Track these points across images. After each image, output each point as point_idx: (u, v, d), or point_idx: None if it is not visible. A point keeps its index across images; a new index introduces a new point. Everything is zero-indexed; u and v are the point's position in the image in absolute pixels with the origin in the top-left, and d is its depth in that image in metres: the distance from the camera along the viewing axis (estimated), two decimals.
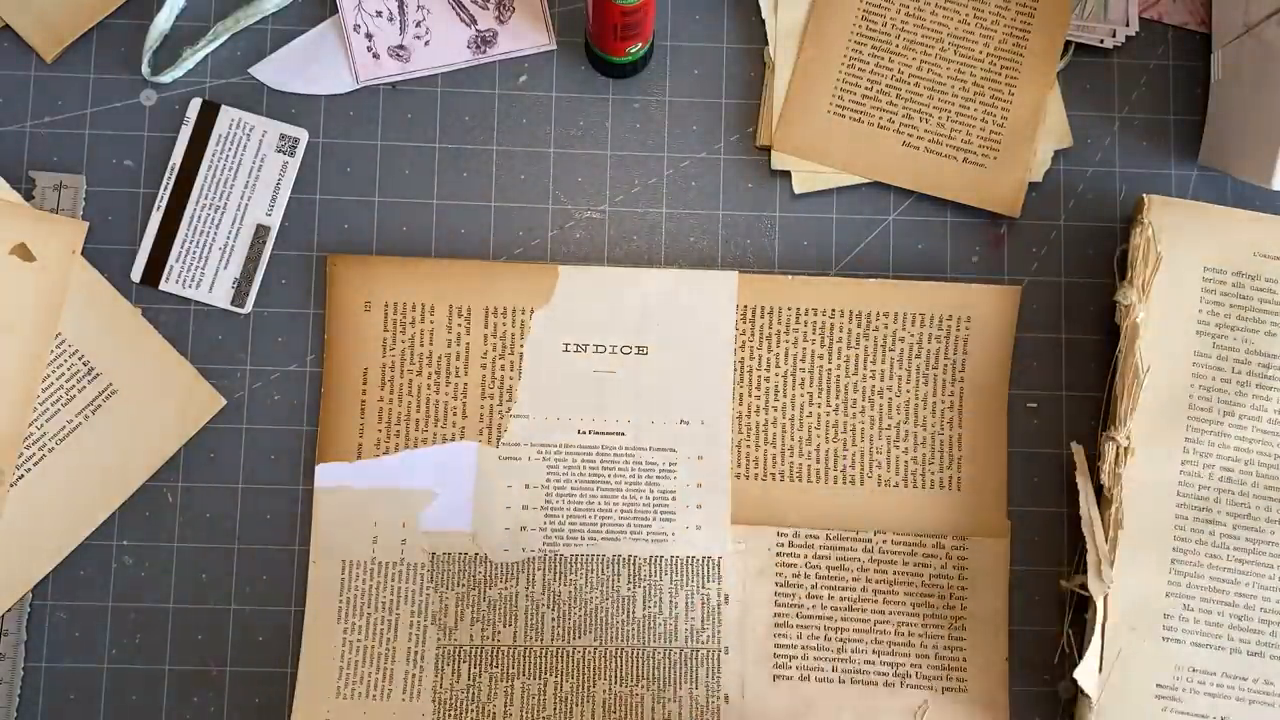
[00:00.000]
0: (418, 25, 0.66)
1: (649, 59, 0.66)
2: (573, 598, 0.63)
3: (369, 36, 0.66)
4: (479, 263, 0.65)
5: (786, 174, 0.66)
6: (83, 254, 0.63)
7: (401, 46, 0.66)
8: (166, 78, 0.65)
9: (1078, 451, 0.63)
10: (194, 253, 0.64)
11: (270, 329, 0.64)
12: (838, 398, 0.64)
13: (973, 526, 0.64)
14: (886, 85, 0.66)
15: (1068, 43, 0.66)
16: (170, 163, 0.65)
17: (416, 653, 0.62)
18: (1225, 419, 0.62)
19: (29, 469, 0.62)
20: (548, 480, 0.63)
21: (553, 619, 0.63)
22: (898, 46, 0.66)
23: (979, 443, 0.64)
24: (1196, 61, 0.67)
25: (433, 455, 0.63)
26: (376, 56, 0.66)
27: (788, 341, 0.64)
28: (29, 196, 0.64)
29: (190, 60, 0.65)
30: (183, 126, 0.65)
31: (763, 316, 0.64)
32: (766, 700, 0.62)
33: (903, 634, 0.63)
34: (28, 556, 0.62)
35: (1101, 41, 0.66)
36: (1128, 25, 0.66)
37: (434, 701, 0.62)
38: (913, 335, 0.64)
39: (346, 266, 0.64)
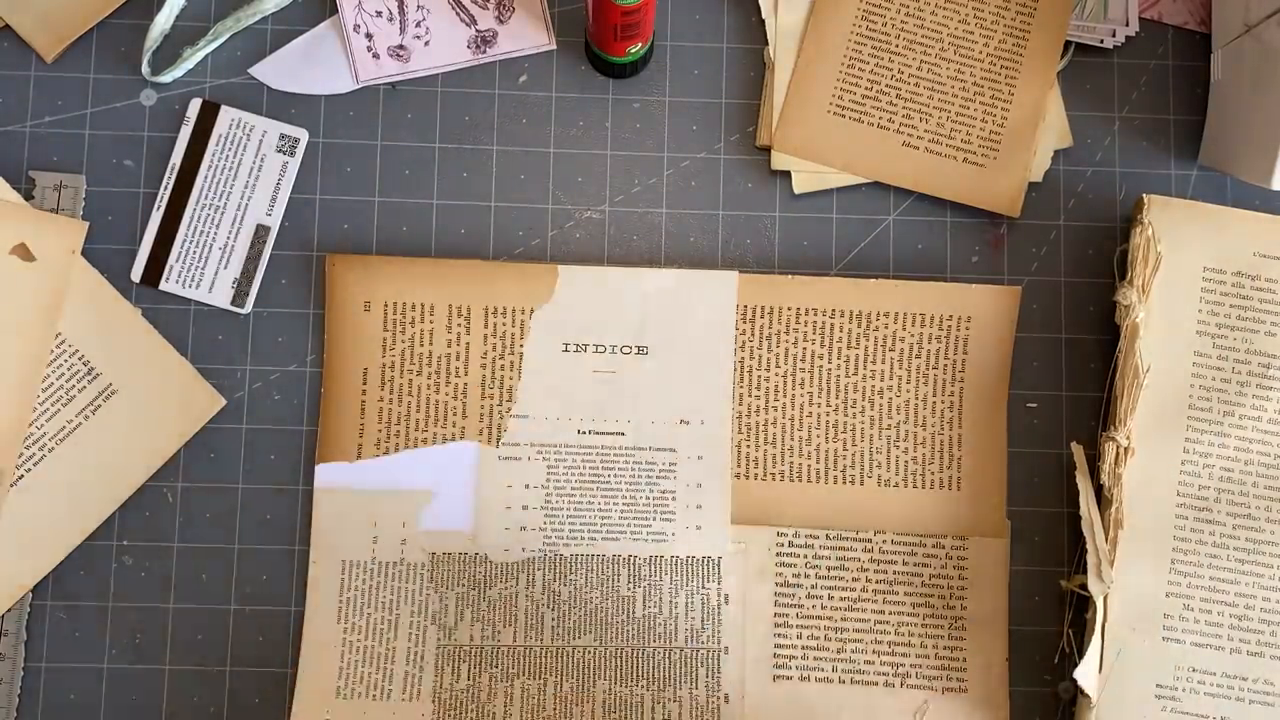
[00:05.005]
0: (418, 25, 0.66)
1: (649, 59, 0.66)
2: (573, 598, 0.63)
3: (369, 36, 0.66)
4: (479, 263, 0.65)
5: (786, 174, 0.66)
6: (83, 254, 0.63)
7: (401, 46, 0.66)
8: (166, 78, 0.65)
9: (1078, 451, 0.63)
10: (194, 253, 0.64)
11: (270, 329, 0.64)
12: (838, 398, 0.64)
13: (972, 526, 0.64)
14: (886, 85, 0.66)
15: (1068, 43, 0.66)
16: (170, 163, 0.65)
17: (416, 653, 0.62)
18: (1225, 419, 0.62)
19: (29, 469, 0.62)
20: (548, 480, 0.63)
21: (553, 619, 0.63)
22: (898, 46, 0.66)
23: (979, 443, 0.64)
24: (1196, 61, 0.67)
25: (433, 455, 0.63)
26: (376, 56, 0.66)
27: (788, 341, 0.64)
28: (29, 196, 0.64)
29: (190, 60, 0.65)
30: (183, 126, 0.65)
31: (763, 316, 0.64)
32: (766, 700, 0.62)
33: (903, 634, 0.63)
34: (28, 556, 0.62)
35: (1101, 41, 0.66)
36: (1128, 25, 0.66)
37: (434, 701, 0.62)
38: (913, 335, 0.64)
39: (346, 266, 0.64)
